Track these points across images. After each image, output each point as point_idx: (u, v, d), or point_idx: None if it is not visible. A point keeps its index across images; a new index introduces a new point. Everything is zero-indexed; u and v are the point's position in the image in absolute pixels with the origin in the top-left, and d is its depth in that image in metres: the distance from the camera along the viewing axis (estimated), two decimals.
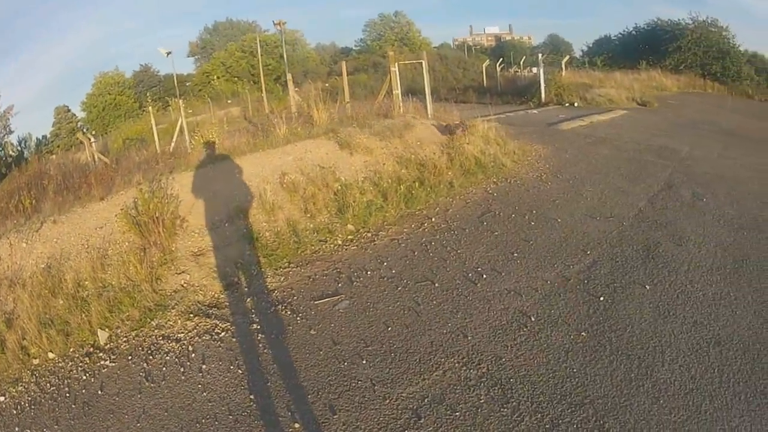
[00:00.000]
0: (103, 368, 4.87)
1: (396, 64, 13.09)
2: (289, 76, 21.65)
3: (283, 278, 6.33)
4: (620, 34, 42.47)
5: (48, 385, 4.74)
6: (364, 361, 4.71)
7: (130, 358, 4.98)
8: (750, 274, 6.14)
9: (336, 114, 11.11)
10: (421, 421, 3.95)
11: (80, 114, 58.81)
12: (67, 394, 4.61)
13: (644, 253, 6.74)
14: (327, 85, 28.09)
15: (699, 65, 32.90)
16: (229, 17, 65.38)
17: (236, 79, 55.76)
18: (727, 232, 7.41)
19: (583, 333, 5.02)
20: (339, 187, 8.24)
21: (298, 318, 5.47)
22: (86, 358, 5.00)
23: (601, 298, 5.63)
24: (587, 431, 3.80)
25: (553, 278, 6.14)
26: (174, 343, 5.11)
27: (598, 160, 11.54)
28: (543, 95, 23.20)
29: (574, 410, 4.00)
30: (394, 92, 12.78)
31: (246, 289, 6.11)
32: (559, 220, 7.83)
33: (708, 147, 13.56)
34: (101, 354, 5.05)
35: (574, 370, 4.48)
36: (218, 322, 5.39)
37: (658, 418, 3.90)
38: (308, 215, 7.68)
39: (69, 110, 58.49)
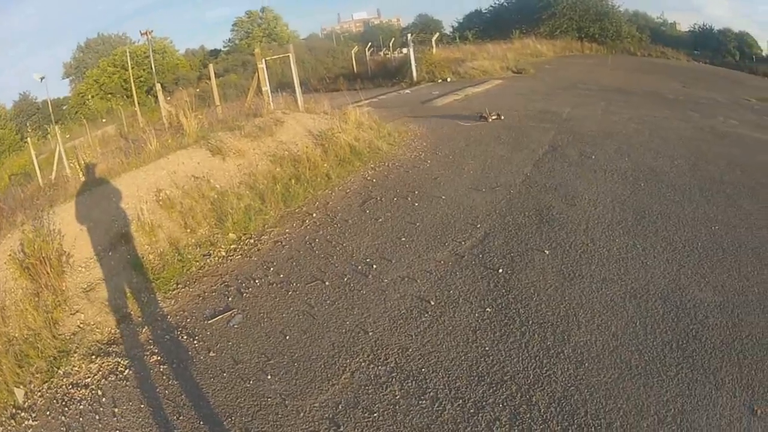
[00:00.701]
0: (29, 428, 4.62)
1: (263, 60, 12.98)
2: (158, 86, 20.96)
3: (173, 301, 6.12)
4: (491, 6, 44.51)
5: None
6: (269, 377, 4.57)
7: (48, 413, 4.73)
8: (655, 224, 6.45)
9: (206, 119, 10.83)
10: (341, 430, 3.86)
11: None
12: None
13: (537, 218, 6.92)
14: (198, 90, 27.45)
15: (576, 29, 35.14)
16: (101, 32, 62.66)
17: (110, 95, 54.10)
18: (623, 185, 7.77)
19: (487, 309, 5.04)
20: (215, 196, 8.04)
21: (195, 341, 5.28)
22: (12, 421, 4.76)
23: (500, 270, 5.70)
24: (515, 408, 3.77)
25: (446, 258, 6.15)
26: (84, 390, 4.89)
27: (476, 131, 11.81)
28: (415, 74, 23.69)
29: (496, 389, 3.98)
30: (263, 89, 12.65)
31: (140, 319, 5.88)
32: (444, 197, 7.89)
33: (591, 106, 14.33)
34: (23, 414, 4.79)
35: (487, 349, 4.45)
36: (120, 360, 5.19)
37: (586, 381, 3.95)
38: (188, 230, 7.47)
39: None
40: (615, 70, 23.44)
